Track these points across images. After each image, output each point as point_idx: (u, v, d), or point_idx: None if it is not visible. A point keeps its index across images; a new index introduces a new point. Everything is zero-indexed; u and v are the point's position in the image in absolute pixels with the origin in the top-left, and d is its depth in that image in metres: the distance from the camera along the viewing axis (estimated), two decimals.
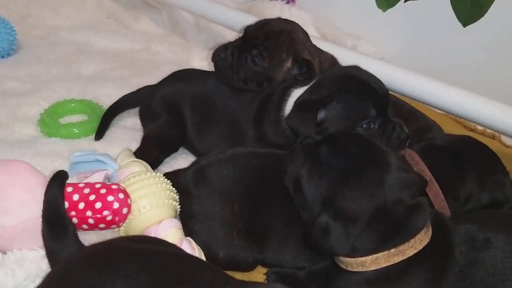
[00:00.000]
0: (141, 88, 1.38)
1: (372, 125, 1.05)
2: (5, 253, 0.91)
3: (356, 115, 1.05)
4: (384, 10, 1.57)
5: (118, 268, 0.70)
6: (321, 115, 1.05)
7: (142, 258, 0.73)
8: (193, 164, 1.13)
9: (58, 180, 0.94)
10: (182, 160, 1.26)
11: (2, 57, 1.62)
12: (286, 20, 1.30)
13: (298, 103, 1.09)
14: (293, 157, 0.91)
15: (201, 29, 1.85)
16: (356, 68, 1.14)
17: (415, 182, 0.86)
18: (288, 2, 1.83)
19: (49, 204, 0.90)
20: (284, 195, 0.91)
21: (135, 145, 1.26)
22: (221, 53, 1.24)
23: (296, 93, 1.14)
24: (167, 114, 1.25)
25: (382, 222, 0.82)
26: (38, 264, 0.90)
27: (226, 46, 1.26)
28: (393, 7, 1.56)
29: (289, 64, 1.22)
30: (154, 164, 1.19)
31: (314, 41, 1.33)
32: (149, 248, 0.79)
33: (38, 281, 0.89)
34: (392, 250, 0.82)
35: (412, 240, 0.83)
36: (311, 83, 1.12)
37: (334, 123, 1.04)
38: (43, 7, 1.97)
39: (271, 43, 1.21)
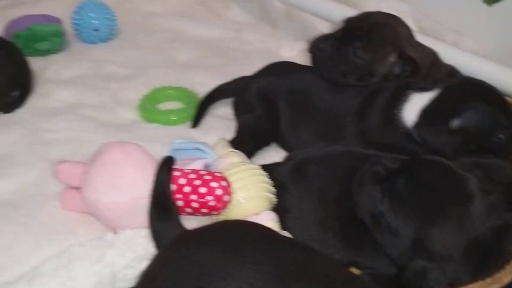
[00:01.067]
0: (237, 78, 1.40)
1: (504, 136, 1.01)
2: (116, 233, 0.97)
3: (493, 125, 1.02)
4: (489, 4, 1.49)
5: (245, 254, 0.71)
6: (454, 125, 1.02)
7: (268, 245, 0.74)
8: (288, 158, 1.14)
9: (167, 164, 0.99)
10: (274, 152, 1.27)
11: (103, 41, 1.69)
12: (389, 14, 1.26)
13: (428, 111, 1.06)
14: (365, 189, 0.89)
15: (291, 18, 1.85)
16: (475, 78, 1.11)
17: (500, 202, 0.83)
18: None
19: (157, 186, 0.95)
20: None
21: (228, 134, 1.28)
22: (320, 44, 1.21)
23: (416, 97, 1.10)
24: (262, 107, 1.27)
25: (475, 253, 0.80)
26: (146, 246, 0.95)
27: (326, 36, 1.23)
28: (499, 1, 1.48)
29: (393, 59, 1.18)
30: (248, 156, 1.21)
31: None
32: (273, 234, 0.80)
33: (145, 262, 0.94)
34: (488, 280, 0.81)
35: (508, 267, 0.81)
36: (436, 91, 1.08)
37: (470, 133, 1.01)
38: None
39: (375, 36, 1.17)
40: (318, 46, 1.22)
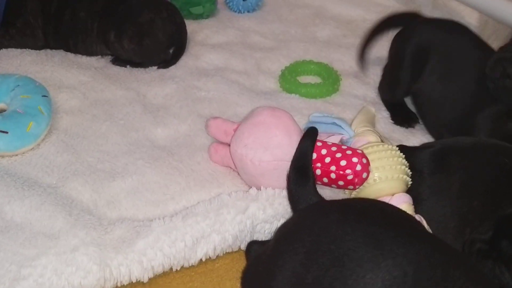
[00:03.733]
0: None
1: None
2: (259, 189, 1.04)
3: None
4: None
5: (385, 248, 0.71)
6: None
7: (411, 244, 0.73)
8: (427, 145, 1.13)
9: (312, 134, 1.02)
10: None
11: (249, 11, 1.78)
12: None
13: None
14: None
15: (437, 6, 1.79)
16: None
17: None
18: None
19: (300, 152, 0.99)
20: None
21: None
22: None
23: None
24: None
25: None
26: (285, 206, 1.01)
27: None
28: None
29: None
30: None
31: None
32: (417, 229, 0.80)
33: (282, 221, 1.01)
34: None
35: None
36: None
37: None
38: None
39: None
40: (507, 73, 1.10)
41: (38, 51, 1.49)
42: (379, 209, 0.84)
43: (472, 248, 0.88)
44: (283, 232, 0.86)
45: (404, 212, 0.90)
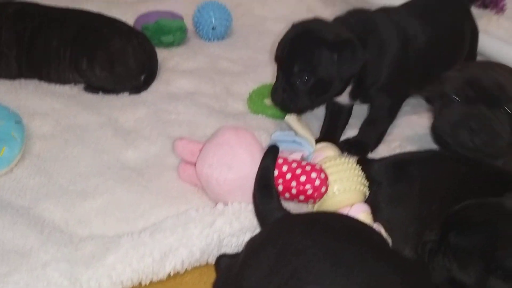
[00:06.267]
0: None
1: None
2: (226, 204, 1.09)
3: None
4: None
5: (343, 265, 0.75)
6: None
7: (368, 264, 0.77)
8: (385, 157, 1.20)
9: (273, 152, 1.08)
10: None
11: (218, 39, 1.86)
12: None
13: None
14: (432, 266, 0.91)
15: None
16: None
17: None
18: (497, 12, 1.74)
19: (263, 170, 1.04)
20: None
21: None
22: (470, 124, 1.11)
23: None
24: None
25: None
26: (251, 220, 1.06)
27: (465, 115, 1.12)
28: None
29: None
30: None
31: None
32: (379, 248, 0.83)
33: (248, 234, 1.05)
34: None
35: None
36: None
37: None
38: None
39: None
40: (469, 127, 1.10)
41: (12, 80, 1.53)
42: (343, 224, 0.88)
43: (424, 249, 0.93)
44: (251, 245, 0.90)
45: (366, 225, 0.95)
